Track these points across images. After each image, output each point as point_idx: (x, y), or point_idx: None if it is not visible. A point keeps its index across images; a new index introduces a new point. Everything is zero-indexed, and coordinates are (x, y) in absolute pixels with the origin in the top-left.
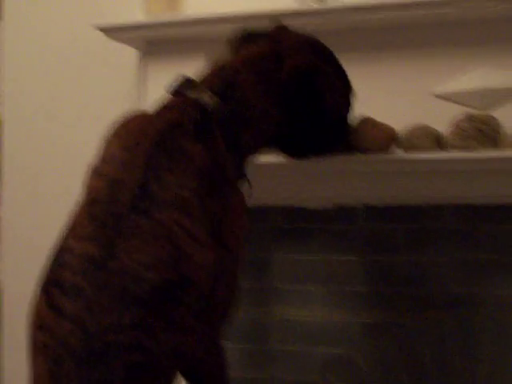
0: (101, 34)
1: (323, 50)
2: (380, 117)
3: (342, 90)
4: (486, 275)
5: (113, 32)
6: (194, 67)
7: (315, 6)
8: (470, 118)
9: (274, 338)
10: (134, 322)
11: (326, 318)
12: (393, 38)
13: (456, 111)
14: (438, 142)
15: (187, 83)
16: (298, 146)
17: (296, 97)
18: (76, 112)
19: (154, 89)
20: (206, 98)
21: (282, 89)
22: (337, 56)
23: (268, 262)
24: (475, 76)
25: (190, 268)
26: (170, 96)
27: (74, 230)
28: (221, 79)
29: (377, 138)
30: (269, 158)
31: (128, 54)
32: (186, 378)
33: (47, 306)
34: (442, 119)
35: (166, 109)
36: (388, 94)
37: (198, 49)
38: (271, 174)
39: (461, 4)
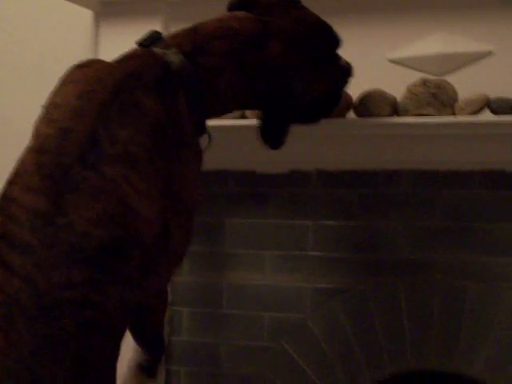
0: None
1: (311, 35)
2: None
3: (318, 76)
4: (439, 241)
5: None
6: (150, 28)
7: None
8: (425, 83)
9: (226, 303)
10: (83, 279)
11: (278, 283)
12: (347, 2)
13: (412, 77)
14: (392, 107)
15: (155, 38)
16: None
17: (267, 91)
18: (31, 75)
19: (108, 50)
20: (172, 55)
21: (254, 76)
22: None
23: (221, 227)
24: (431, 41)
25: (137, 223)
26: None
27: (22, 178)
28: (192, 41)
29: None
30: (223, 121)
31: (83, 14)
32: (133, 331)
33: None
34: (398, 84)
35: (127, 59)
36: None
37: (154, 11)
38: (226, 137)
39: None
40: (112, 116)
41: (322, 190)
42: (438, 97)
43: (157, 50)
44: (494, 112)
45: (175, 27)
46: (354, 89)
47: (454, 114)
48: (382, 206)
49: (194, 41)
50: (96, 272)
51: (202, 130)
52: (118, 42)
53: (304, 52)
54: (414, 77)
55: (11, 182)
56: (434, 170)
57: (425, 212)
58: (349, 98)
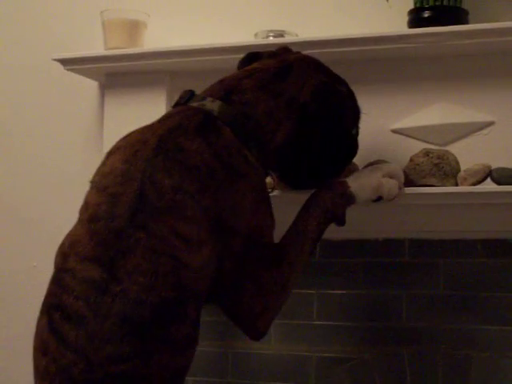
0: (60, 66)
1: (329, 69)
2: None
3: (353, 105)
4: (443, 310)
5: (71, 64)
6: (155, 99)
7: (274, 40)
8: (427, 153)
9: (231, 372)
10: (135, 351)
11: (283, 352)
12: (350, 72)
13: (415, 147)
14: None
15: (188, 95)
16: (304, 168)
17: (315, 118)
18: (35, 144)
19: (113, 120)
20: (209, 103)
21: (296, 107)
22: None
23: None
24: (433, 111)
25: (189, 275)
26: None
27: (76, 248)
28: (222, 88)
29: None
30: None
31: (88, 86)
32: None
33: (49, 330)
34: (401, 155)
35: (167, 117)
36: None
37: (158, 81)
38: None
39: (418, 40)
40: (157, 168)
41: (325, 260)
42: (440, 167)
43: (193, 103)
44: (496, 182)
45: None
46: (357, 159)
47: (456, 184)
48: (385, 275)
49: (224, 87)
50: (147, 342)
51: (264, 161)
52: (122, 112)
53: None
54: (417, 147)
55: (66, 254)
56: (436, 238)
57: (428, 280)
58: (355, 167)
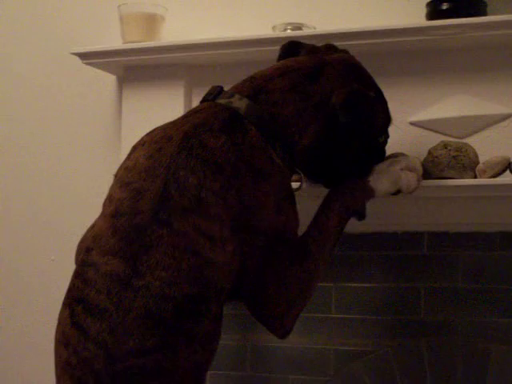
0: (78, 60)
1: (365, 73)
2: None
3: (384, 113)
4: (461, 302)
5: (90, 58)
6: (172, 93)
7: (292, 33)
8: (446, 146)
9: (249, 365)
10: (156, 345)
11: (301, 345)
12: (368, 65)
13: (433, 139)
14: None
15: (216, 91)
16: (331, 168)
17: (343, 124)
18: (54, 139)
19: (132, 114)
20: (237, 101)
21: (325, 112)
22: None
23: None
24: (451, 104)
25: (213, 272)
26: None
27: (99, 243)
28: (252, 86)
29: None
30: None
31: (106, 80)
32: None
33: (71, 323)
34: (420, 147)
35: (193, 113)
36: None
37: (175, 75)
38: None
39: (437, 32)
40: (180, 165)
41: (344, 253)
42: (459, 160)
43: (221, 100)
44: None
45: (196, 91)
46: None
47: (475, 176)
48: (404, 268)
49: (254, 86)
50: (169, 336)
51: (289, 161)
52: (140, 106)
53: (367, 85)
54: (436, 140)
55: (89, 248)
56: (455, 231)
57: (446, 273)
58: None
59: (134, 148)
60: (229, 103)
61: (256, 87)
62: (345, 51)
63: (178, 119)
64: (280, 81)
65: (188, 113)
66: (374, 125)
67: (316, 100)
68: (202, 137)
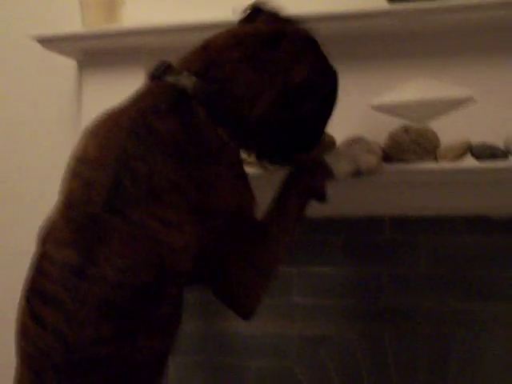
0: (38, 44)
1: (321, 52)
2: None
3: (329, 103)
4: (424, 288)
5: (49, 42)
6: (133, 78)
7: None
8: (407, 131)
9: (212, 351)
10: (113, 333)
11: (264, 331)
12: (329, 49)
13: (394, 123)
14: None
15: (164, 67)
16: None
17: (298, 98)
18: (11, 125)
19: (92, 99)
20: (184, 79)
21: (280, 85)
22: None
23: None
24: (412, 87)
25: (172, 257)
26: (148, 82)
27: (53, 235)
28: (202, 59)
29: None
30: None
31: (66, 65)
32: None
33: (29, 315)
34: (380, 131)
35: (140, 96)
36: None
37: (136, 59)
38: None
39: (397, 15)
40: (130, 152)
41: (305, 237)
42: (420, 143)
43: (169, 78)
44: (477, 157)
45: None
46: (336, 135)
47: (436, 160)
48: (367, 253)
49: (204, 59)
50: (127, 323)
51: (238, 139)
52: (101, 91)
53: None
54: (396, 123)
55: (44, 240)
56: (417, 215)
57: (409, 258)
58: (331, 137)
59: (84, 137)
60: (176, 81)
61: (207, 60)
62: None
63: (127, 103)
64: (234, 51)
65: (136, 96)
66: (329, 102)
67: (270, 71)
68: (149, 121)
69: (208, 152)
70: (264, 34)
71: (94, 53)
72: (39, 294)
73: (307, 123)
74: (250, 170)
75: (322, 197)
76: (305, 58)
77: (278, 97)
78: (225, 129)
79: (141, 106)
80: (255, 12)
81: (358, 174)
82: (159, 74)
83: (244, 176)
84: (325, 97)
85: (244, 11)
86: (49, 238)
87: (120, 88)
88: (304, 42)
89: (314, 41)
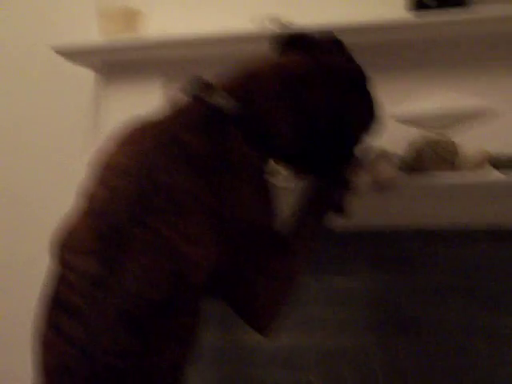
0: (58, 55)
1: (361, 80)
2: None
3: (365, 124)
4: (443, 299)
5: (69, 53)
6: (152, 88)
7: (272, 28)
8: (427, 141)
9: (231, 362)
10: (132, 344)
11: (280, 342)
12: None
13: (414, 133)
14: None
15: (202, 86)
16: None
17: (324, 130)
18: (32, 134)
19: (111, 109)
20: (220, 99)
21: (311, 114)
22: None
23: None
24: (432, 98)
25: (190, 269)
26: (184, 99)
27: (74, 242)
28: (241, 85)
29: None
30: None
31: (85, 75)
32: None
33: (49, 324)
34: (400, 141)
35: (173, 110)
36: None
37: (156, 71)
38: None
39: (418, 26)
40: (156, 164)
41: (326, 249)
42: (439, 153)
43: (205, 96)
44: (496, 168)
45: (176, 86)
46: None
47: (455, 170)
48: (386, 264)
49: (243, 84)
50: (146, 335)
51: (266, 162)
52: (119, 101)
53: (353, 90)
54: (416, 134)
55: (64, 246)
56: (437, 227)
57: (429, 270)
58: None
59: (112, 144)
60: (212, 100)
61: (245, 87)
62: (344, 52)
63: (162, 116)
64: (273, 84)
65: (172, 110)
66: (356, 135)
67: (305, 108)
68: (178, 134)
69: (231, 166)
70: (303, 72)
71: (112, 63)
72: (59, 303)
73: (340, 155)
74: (276, 181)
75: (340, 210)
76: (343, 96)
77: (308, 134)
78: (256, 150)
79: (172, 119)
80: (294, 40)
81: (376, 184)
82: (195, 91)
83: (266, 190)
84: (364, 126)
85: (281, 38)
86: (69, 244)
87: (138, 99)
88: (337, 77)
89: (357, 77)
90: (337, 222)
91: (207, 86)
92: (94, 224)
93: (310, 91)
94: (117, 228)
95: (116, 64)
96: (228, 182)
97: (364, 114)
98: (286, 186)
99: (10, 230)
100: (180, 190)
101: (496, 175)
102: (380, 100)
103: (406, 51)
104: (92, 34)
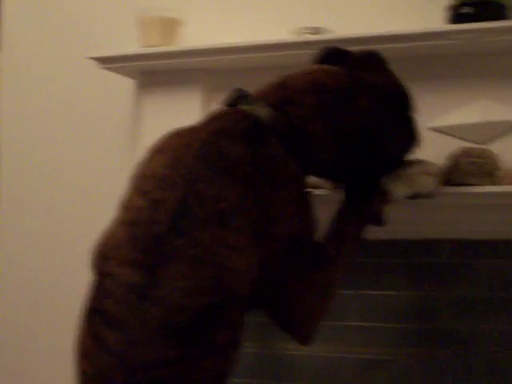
0: (97, 64)
1: (403, 100)
2: None
3: (405, 146)
4: (482, 311)
5: (108, 62)
6: (190, 98)
7: (312, 37)
8: (466, 153)
9: (269, 373)
10: (175, 355)
11: (319, 353)
12: None
13: (453, 145)
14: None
15: (241, 95)
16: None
17: (359, 148)
18: (72, 143)
19: (149, 119)
20: (259, 109)
21: (345, 131)
22: None
23: None
24: (472, 109)
25: (234, 281)
26: (222, 109)
27: (116, 252)
28: (278, 95)
29: None
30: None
31: (124, 84)
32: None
33: (90, 334)
34: (439, 153)
35: (213, 119)
36: None
37: (193, 80)
38: None
39: (456, 36)
40: (199, 175)
41: (362, 260)
42: (479, 166)
43: (243, 106)
44: None
45: (214, 96)
46: None
47: (495, 183)
48: (424, 276)
49: (281, 95)
50: (189, 347)
51: (305, 171)
52: (158, 111)
53: (391, 110)
54: (456, 145)
55: (106, 257)
56: (476, 238)
57: (467, 281)
58: None
59: (152, 154)
60: (251, 110)
61: (283, 97)
62: (381, 66)
63: (197, 124)
64: (309, 97)
65: (208, 118)
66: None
67: (340, 124)
68: (220, 145)
69: (275, 180)
70: (339, 88)
71: (151, 73)
72: (100, 314)
73: (379, 172)
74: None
75: (378, 220)
76: (383, 116)
77: (343, 152)
78: (295, 159)
79: (212, 128)
80: (335, 54)
81: (415, 196)
82: (234, 101)
83: (306, 201)
84: (404, 148)
85: (322, 52)
86: (111, 254)
87: (177, 108)
88: (377, 97)
89: (398, 97)
90: (374, 232)
91: (246, 96)
92: (136, 234)
93: (346, 108)
94: (159, 238)
95: (156, 73)
96: (270, 192)
97: (404, 136)
98: (325, 195)
99: (51, 243)
100: (223, 201)
101: None
102: (420, 111)
103: (447, 62)
104: (129, 44)
